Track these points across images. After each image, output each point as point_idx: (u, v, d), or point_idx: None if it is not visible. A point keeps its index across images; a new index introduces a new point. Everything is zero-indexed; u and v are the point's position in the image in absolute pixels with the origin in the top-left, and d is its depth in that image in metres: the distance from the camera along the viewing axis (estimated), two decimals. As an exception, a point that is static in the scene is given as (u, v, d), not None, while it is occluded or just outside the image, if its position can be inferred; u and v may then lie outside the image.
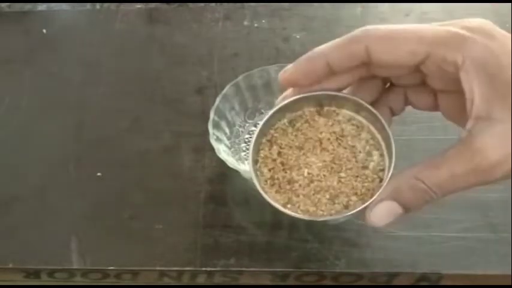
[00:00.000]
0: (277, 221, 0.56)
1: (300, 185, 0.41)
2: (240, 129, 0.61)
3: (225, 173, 0.59)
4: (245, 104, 0.61)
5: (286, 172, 0.42)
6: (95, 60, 0.70)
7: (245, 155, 0.60)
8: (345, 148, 0.42)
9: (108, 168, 0.61)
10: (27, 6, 0.76)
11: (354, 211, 0.39)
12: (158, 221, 0.57)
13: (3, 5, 0.76)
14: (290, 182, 0.41)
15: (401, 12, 0.70)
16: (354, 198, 0.40)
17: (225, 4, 0.72)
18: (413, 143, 0.59)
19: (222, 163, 0.55)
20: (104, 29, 0.73)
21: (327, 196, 0.40)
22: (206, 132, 0.57)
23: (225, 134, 0.59)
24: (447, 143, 0.59)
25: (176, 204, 0.58)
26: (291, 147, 0.42)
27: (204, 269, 0.54)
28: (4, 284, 0.61)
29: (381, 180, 0.41)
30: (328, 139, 0.42)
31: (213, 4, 0.73)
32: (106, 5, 0.75)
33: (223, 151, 0.56)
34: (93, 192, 0.60)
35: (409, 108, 0.61)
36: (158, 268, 0.55)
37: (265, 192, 0.41)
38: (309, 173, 0.41)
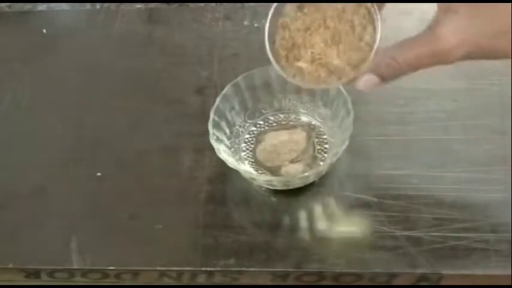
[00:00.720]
0: (277, 221, 0.56)
1: (304, 63, 0.49)
2: (240, 129, 0.61)
3: (225, 173, 0.59)
4: (245, 104, 0.61)
5: (295, 51, 0.49)
6: (94, 60, 0.70)
7: (245, 155, 0.60)
8: (345, 23, 0.48)
9: (108, 168, 0.61)
10: (27, 6, 0.76)
11: (344, 81, 0.48)
12: (158, 221, 0.57)
13: (3, 5, 0.76)
14: (298, 59, 0.49)
15: (401, 13, 0.70)
16: (347, 69, 0.48)
17: (225, 4, 0.72)
18: (413, 143, 0.59)
19: (222, 163, 0.55)
20: (104, 29, 0.73)
21: (325, 71, 0.48)
22: (206, 132, 0.57)
23: (225, 134, 0.59)
24: (447, 143, 0.59)
25: (176, 204, 0.58)
26: (299, 30, 0.49)
27: (204, 269, 0.54)
28: (4, 284, 0.61)
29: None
30: (331, 16, 0.48)
31: (213, 4, 0.73)
32: (106, 5, 0.75)
33: (223, 151, 0.56)
34: (93, 192, 0.60)
35: (409, 108, 0.62)
36: (158, 268, 0.55)
37: (278, 65, 0.49)
38: (312, 52, 0.49)
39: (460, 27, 0.43)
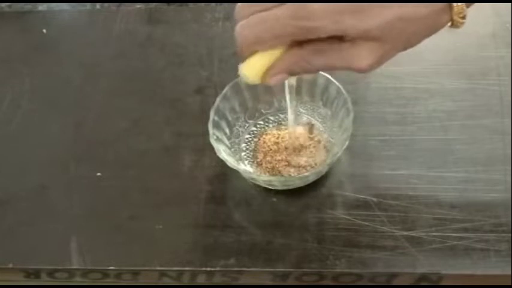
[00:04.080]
0: (277, 221, 0.56)
1: None
2: (240, 129, 0.61)
3: (225, 173, 0.59)
4: (245, 104, 0.61)
5: None
6: (94, 60, 0.70)
7: (245, 155, 0.60)
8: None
9: (108, 168, 0.61)
10: (27, 6, 0.76)
11: None
12: (158, 221, 0.57)
13: (3, 5, 0.76)
14: None
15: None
16: None
17: (225, 4, 0.72)
18: (413, 143, 0.59)
19: (222, 163, 0.55)
20: (104, 29, 0.73)
21: None
22: (206, 132, 0.57)
23: (225, 134, 0.59)
24: (447, 143, 0.59)
25: (176, 204, 0.58)
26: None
27: (204, 269, 0.54)
28: (4, 284, 0.61)
29: None
30: None
31: (213, 4, 0.73)
32: (106, 5, 0.75)
33: (223, 151, 0.56)
34: (93, 192, 0.60)
35: (409, 108, 0.62)
36: (158, 268, 0.55)
37: None
38: None
39: (378, 51, 0.43)
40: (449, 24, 0.44)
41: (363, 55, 0.43)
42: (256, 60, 0.46)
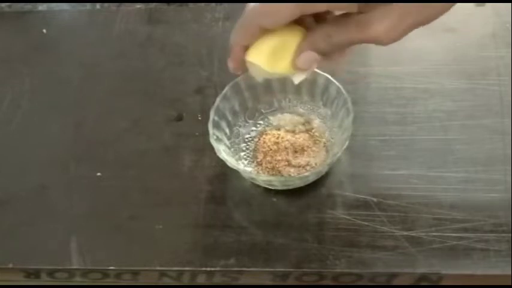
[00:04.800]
0: (277, 221, 0.56)
1: None
2: (240, 129, 0.61)
3: (225, 173, 0.59)
4: (245, 104, 0.61)
5: None
6: (94, 60, 0.70)
7: (245, 155, 0.60)
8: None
9: (108, 168, 0.61)
10: (27, 6, 0.76)
11: None
12: (158, 221, 0.57)
13: (3, 5, 0.76)
14: None
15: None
16: None
17: (225, 4, 0.72)
18: (413, 143, 0.59)
19: (222, 163, 0.55)
20: (104, 29, 0.73)
21: None
22: (206, 132, 0.57)
23: (225, 134, 0.59)
24: (447, 143, 0.59)
25: (176, 204, 0.58)
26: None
27: (204, 269, 0.54)
28: (4, 284, 0.61)
29: None
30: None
31: (213, 4, 0.73)
32: (106, 5, 0.75)
33: (223, 151, 0.56)
34: (93, 192, 0.60)
35: (409, 108, 0.62)
36: (158, 268, 0.55)
37: None
38: None
39: (386, 15, 0.43)
40: None
41: (376, 21, 0.43)
42: (261, 43, 0.46)
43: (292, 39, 0.47)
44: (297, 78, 0.50)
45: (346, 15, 0.45)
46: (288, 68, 0.49)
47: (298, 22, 0.47)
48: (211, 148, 0.56)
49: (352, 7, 0.44)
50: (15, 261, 0.57)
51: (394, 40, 0.44)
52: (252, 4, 0.45)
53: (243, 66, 0.50)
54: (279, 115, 0.62)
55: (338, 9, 0.45)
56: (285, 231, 0.56)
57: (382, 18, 0.43)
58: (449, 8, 0.44)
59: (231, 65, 0.49)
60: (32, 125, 0.66)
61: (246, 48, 0.48)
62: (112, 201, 0.59)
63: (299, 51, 0.47)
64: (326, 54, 0.47)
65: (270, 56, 0.47)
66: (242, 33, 0.46)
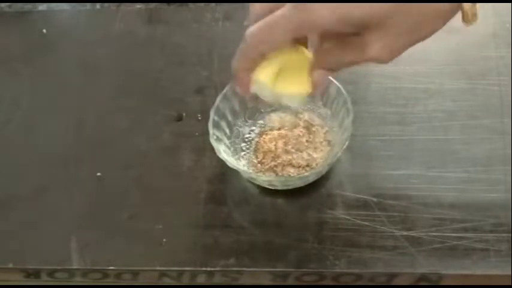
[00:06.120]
0: (277, 221, 0.56)
1: None
2: (240, 129, 0.61)
3: (225, 173, 0.59)
4: (245, 104, 0.61)
5: None
6: (94, 60, 0.70)
7: (245, 155, 0.60)
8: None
9: (108, 168, 0.61)
10: (27, 6, 0.76)
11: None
12: (158, 221, 0.57)
13: (3, 5, 0.76)
14: None
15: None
16: None
17: (225, 4, 0.72)
18: (413, 143, 0.59)
19: (222, 163, 0.55)
20: (104, 29, 0.73)
21: None
22: (206, 132, 0.57)
23: (225, 134, 0.59)
24: (447, 143, 0.59)
25: (176, 204, 0.58)
26: None
27: (204, 269, 0.54)
28: (4, 284, 0.61)
29: None
30: None
31: (213, 4, 0.73)
32: (106, 5, 0.75)
33: (223, 151, 0.56)
34: (93, 192, 0.60)
35: (409, 108, 0.62)
36: (158, 268, 0.55)
37: None
38: None
39: (383, 40, 0.44)
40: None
41: (373, 43, 0.44)
42: (268, 64, 0.47)
43: (295, 59, 0.48)
44: (295, 102, 0.51)
45: (339, 37, 0.46)
46: (291, 87, 0.49)
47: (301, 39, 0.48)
48: (211, 148, 0.56)
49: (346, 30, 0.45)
50: (15, 261, 0.57)
51: (393, 58, 0.46)
52: (249, 30, 0.46)
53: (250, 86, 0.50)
54: (279, 115, 0.62)
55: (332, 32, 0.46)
56: (285, 231, 0.56)
57: (378, 40, 0.44)
58: (441, 26, 0.45)
59: (239, 90, 0.50)
60: (32, 125, 0.66)
61: (250, 70, 0.48)
62: (112, 201, 0.59)
63: (314, 68, 0.48)
64: (334, 72, 0.49)
65: (275, 75, 0.48)
66: (243, 60, 0.47)
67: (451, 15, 0.45)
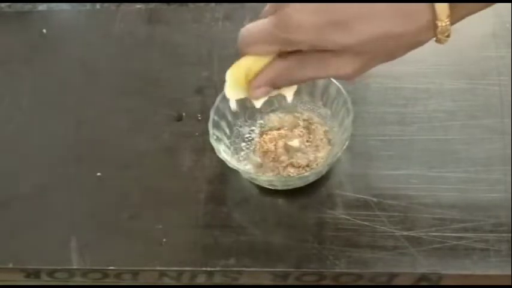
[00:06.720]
0: (277, 221, 0.56)
1: None
2: (240, 129, 0.61)
3: (225, 173, 0.59)
4: (245, 104, 0.61)
5: None
6: (94, 60, 0.70)
7: (245, 154, 0.60)
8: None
9: (108, 168, 0.61)
10: (27, 6, 0.76)
11: None
12: (158, 221, 0.57)
13: (3, 5, 0.76)
14: None
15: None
16: None
17: (225, 4, 0.72)
18: (413, 143, 0.59)
19: (222, 163, 0.55)
20: (104, 29, 0.73)
21: None
22: (206, 132, 0.57)
23: (225, 134, 0.59)
24: (447, 143, 0.59)
25: (176, 204, 0.58)
26: None
27: (204, 269, 0.54)
28: (4, 284, 0.61)
29: None
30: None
31: (213, 4, 0.73)
32: (106, 5, 0.75)
33: (223, 151, 0.56)
34: (93, 192, 0.60)
35: (409, 108, 0.62)
36: (158, 268, 0.55)
37: None
38: None
39: (356, 62, 0.44)
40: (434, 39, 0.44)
41: (344, 65, 0.44)
42: (242, 61, 0.47)
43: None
44: (257, 103, 0.50)
45: (308, 52, 0.45)
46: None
47: None
48: (211, 148, 0.56)
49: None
50: (15, 261, 0.57)
51: (358, 76, 0.46)
52: (242, 30, 0.46)
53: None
54: (279, 115, 0.62)
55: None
56: (285, 231, 0.56)
57: (351, 64, 0.44)
58: (415, 47, 0.45)
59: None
60: (32, 125, 0.66)
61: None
62: (112, 201, 0.59)
63: (256, 83, 0.47)
64: (280, 88, 0.48)
65: (245, 73, 0.48)
66: (254, 45, 0.47)
67: (428, 40, 0.44)
